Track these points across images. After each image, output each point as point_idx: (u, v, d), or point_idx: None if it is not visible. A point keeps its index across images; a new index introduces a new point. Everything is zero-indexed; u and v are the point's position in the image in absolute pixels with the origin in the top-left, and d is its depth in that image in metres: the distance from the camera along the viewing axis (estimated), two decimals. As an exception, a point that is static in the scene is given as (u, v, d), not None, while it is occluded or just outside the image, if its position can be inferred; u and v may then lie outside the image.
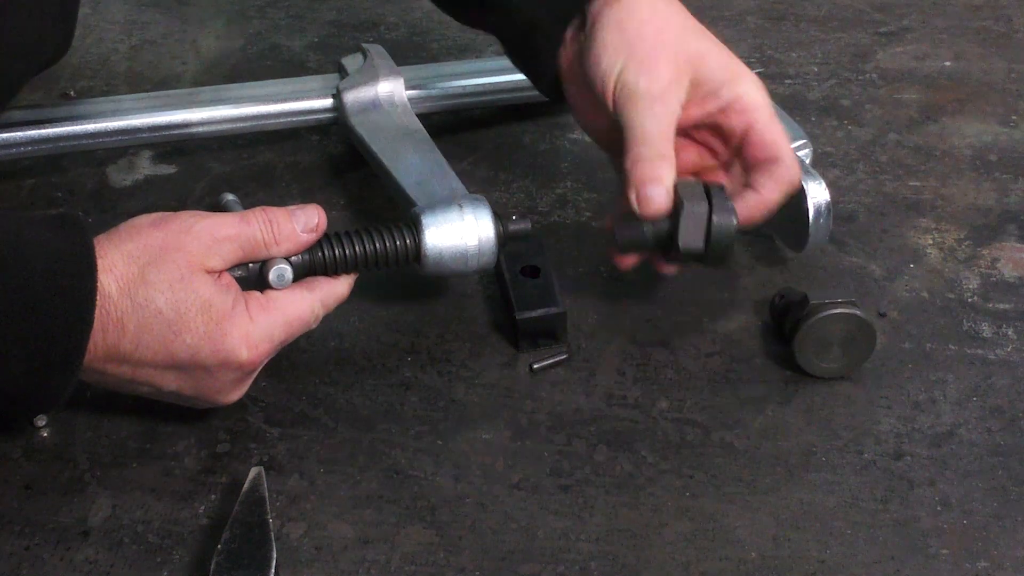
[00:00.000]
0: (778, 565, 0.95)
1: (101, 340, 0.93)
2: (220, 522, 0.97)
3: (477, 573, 0.95)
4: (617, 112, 1.06)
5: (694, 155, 1.11)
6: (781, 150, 1.06)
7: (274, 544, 0.93)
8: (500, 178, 1.32)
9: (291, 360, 1.12)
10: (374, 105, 1.29)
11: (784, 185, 1.06)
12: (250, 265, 1.00)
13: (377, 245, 1.05)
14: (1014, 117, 1.41)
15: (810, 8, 1.61)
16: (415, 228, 1.07)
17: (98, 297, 0.92)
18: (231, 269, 0.99)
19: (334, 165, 1.36)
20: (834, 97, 1.44)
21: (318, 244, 1.03)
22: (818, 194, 1.15)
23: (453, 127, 1.37)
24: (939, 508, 0.99)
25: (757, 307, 1.16)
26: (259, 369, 1.02)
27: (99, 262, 0.93)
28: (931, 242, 1.24)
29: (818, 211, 1.15)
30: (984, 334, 1.14)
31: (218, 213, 1.00)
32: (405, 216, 1.10)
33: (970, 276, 1.20)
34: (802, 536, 0.97)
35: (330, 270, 1.04)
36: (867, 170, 1.33)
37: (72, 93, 1.47)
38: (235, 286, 0.98)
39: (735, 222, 1.02)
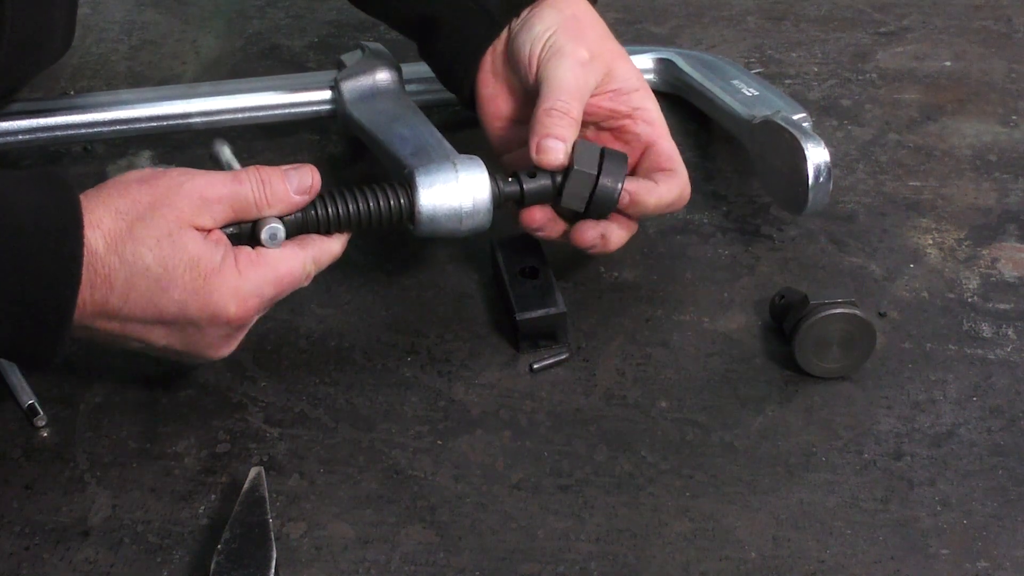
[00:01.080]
0: (778, 565, 0.95)
1: (89, 296, 0.93)
2: (220, 522, 0.97)
3: (477, 573, 0.95)
4: (539, 69, 1.12)
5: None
6: (679, 165, 1.14)
7: (274, 544, 0.93)
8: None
9: (291, 360, 1.12)
10: (372, 93, 1.29)
11: (680, 188, 1.12)
12: (242, 224, 1.00)
13: (371, 203, 1.04)
14: (1014, 117, 1.41)
15: (810, 8, 1.61)
16: (409, 187, 1.06)
17: (85, 253, 0.92)
18: (223, 227, 0.98)
19: (333, 164, 1.36)
20: (834, 97, 1.44)
21: (311, 202, 1.02)
22: (818, 155, 1.15)
23: (453, 127, 1.37)
24: (939, 508, 0.99)
25: (757, 307, 1.16)
26: (251, 325, 1.01)
27: (85, 218, 0.92)
28: (931, 242, 1.24)
29: (818, 172, 1.15)
30: (984, 334, 1.14)
31: (210, 171, 0.99)
32: (399, 176, 1.09)
33: (970, 276, 1.20)
34: (802, 536, 0.97)
35: (323, 229, 1.03)
36: (867, 170, 1.33)
37: (72, 93, 1.47)
38: (225, 242, 0.98)
39: (620, 187, 1.08)
